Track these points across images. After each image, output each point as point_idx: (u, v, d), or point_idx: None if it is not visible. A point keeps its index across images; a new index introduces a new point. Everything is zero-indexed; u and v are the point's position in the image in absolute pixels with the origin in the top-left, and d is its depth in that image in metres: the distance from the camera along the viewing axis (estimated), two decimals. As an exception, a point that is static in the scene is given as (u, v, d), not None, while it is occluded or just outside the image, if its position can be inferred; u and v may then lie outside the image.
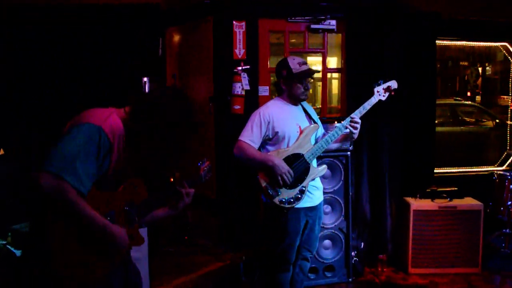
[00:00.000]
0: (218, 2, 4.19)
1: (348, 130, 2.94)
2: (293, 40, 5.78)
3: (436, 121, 8.59)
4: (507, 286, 4.04)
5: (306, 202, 2.96)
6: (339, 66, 4.84)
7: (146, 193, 2.02)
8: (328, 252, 3.92)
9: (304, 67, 2.98)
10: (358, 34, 4.31)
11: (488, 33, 5.45)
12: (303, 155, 2.93)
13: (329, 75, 6.16)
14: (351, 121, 2.93)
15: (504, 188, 4.56)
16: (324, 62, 4.49)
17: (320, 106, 4.76)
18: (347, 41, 4.36)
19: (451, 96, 10.53)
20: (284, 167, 2.83)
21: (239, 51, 4.18)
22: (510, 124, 5.87)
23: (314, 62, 6.65)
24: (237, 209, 4.10)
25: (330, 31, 4.39)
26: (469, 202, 4.20)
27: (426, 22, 4.79)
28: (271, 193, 2.85)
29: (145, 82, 4.03)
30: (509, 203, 4.47)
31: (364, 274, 4.11)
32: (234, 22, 4.15)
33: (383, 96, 3.04)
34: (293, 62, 2.98)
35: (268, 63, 4.35)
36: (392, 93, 3.06)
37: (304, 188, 2.91)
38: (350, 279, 3.94)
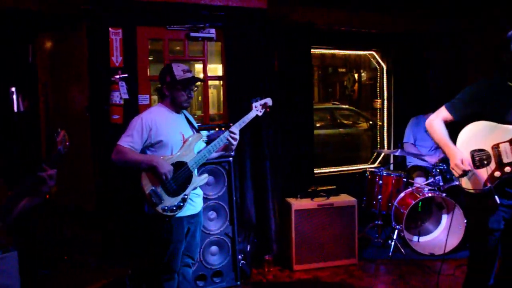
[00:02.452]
0: (93, 8, 4.02)
1: (228, 142, 3.02)
2: (177, 48, 5.77)
3: (317, 124, 9.21)
4: (381, 272, 4.41)
5: (188, 210, 2.97)
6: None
7: (7, 192, 1.89)
8: (215, 258, 3.94)
9: (188, 75, 2.99)
10: (237, 43, 4.43)
11: (357, 42, 5.95)
12: (186, 163, 2.93)
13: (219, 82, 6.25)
14: (231, 134, 3.01)
15: (375, 184, 4.99)
16: (204, 70, 4.53)
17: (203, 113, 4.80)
18: (226, 49, 4.45)
19: (330, 101, 11.26)
20: (168, 165, 2.82)
21: (116, 58, 4.05)
22: (380, 125, 6.44)
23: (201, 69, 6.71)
24: (119, 221, 3.96)
25: (210, 39, 4.46)
26: (344, 198, 4.51)
27: (301, 32, 5.10)
28: (154, 200, 2.81)
29: (12, 92, 3.74)
30: (380, 197, 4.91)
31: (252, 276, 4.20)
32: (110, 29, 4.02)
33: (260, 111, 3.19)
34: (178, 69, 2.97)
35: (148, 71, 4.28)
36: (268, 109, 3.22)
37: (186, 197, 2.91)
38: (238, 282, 4.01)
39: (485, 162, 2.52)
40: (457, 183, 4.62)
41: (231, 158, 3.91)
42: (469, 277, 2.74)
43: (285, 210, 4.46)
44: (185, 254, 3.09)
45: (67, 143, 2.06)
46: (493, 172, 2.50)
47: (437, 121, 2.70)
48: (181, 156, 2.92)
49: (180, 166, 2.89)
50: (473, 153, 2.57)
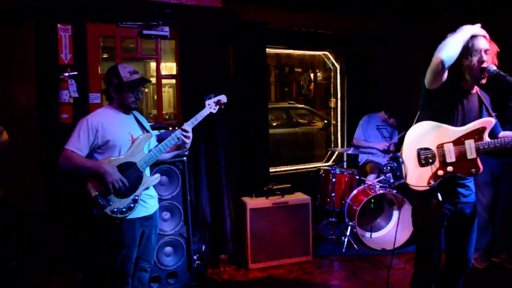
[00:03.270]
0: (40, 3, 3.87)
1: (180, 141, 2.98)
2: (132, 45, 5.65)
3: (273, 123, 9.28)
4: (335, 268, 4.49)
5: (141, 211, 2.91)
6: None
7: None
8: (170, 259, 3.89)
9: (135, 76, 2.93)
10: (191, 41, 4.39)
11: (311, 43, 6.03)
12: (135, 163, 2.87)
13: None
14: (183, 132, 2.98)
15: (329, 182, 5.09)
16: (158, 69, 4.46)
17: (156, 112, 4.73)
18: (180, 47, 4.40)
19: (287, 100, 11.36)
20: (116, 174, 2.75)
21: (65, 56, 3.92)
22: (334, 124, 6.57)
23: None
24: (69, 224, 3.83)
25: (163, 37, 4.39)
26: (299, 197, 4.57)
27: (256, 31, 5.11)
28: (102, 203, 2.74)
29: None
30: (333, 194, 5.01)
31: (207, 276, 4.19)
32: (58, 25, 3.89)
33: (214, 109, 3.17)
34: (124, 71, 2.91)
35: (99, 69, 4.17)
36: (222, 106, 3.20)
37: (137, 197, 2.85)
38: (193, 283, 3.97)
39: (430, 160, 2.60)
40: (403, 181, 4.79)
41: (185, 158, 3.87)
42: (416, 272, 2.82)
43: (240, 209, 4.47)
44: (141, 258, 3.03)
45: (6, 139, 1.98)
46: (436, 170, 2.59)
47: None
48: (130, 156, 2.86)
49: (129, 167, 2.84)
50: (419, 151, 2.65)
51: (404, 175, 2.71)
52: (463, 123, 2.61)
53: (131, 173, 2.84)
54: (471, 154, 2.55)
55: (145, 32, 4.28)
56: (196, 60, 4.39)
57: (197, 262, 4.07)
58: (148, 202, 2.99)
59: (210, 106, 3.15)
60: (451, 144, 2.59)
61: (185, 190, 3.90)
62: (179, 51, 4.42)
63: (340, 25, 5.95)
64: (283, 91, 12.89)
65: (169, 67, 6.49)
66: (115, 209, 2.77)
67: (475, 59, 2.50)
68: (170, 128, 3.81)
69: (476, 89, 2.69)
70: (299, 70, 12.33)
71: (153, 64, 7.71)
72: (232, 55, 4.93)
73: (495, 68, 2.49)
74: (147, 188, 2.94)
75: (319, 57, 6.66)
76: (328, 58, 6.45)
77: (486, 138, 2.56)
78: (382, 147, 5.26)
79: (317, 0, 5.33)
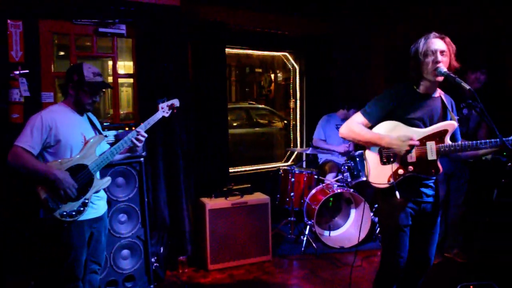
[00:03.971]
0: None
1: (133, 143, 2.94)
2: (88, 43, 5.49)
3: (234, 124, 9.27)
4: (294, 267, 4.53)
5: (90, 213, 2.84)
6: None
7: None
8: (127, 262, 3.81)
9: (98, 78, 2.86)
10: (149, 40, 4.31)
11: (271, 43, 6.06)
12: (87, 166, 2.79)
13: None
14: (137, 135, 2.93)
15: (288, 181, 5.13)
16: (114, 67, 4.36)
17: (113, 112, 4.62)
18: (137, 46, 4.32)
19: (247, 100, 11.39)
20: (69, 181, 2.66)
21: (16, 53, 3.77)
22: (293, 124, 6.62)
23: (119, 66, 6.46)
24: (16, 228, 3.66)
25: (120, 35, 4.30)
26: (258, 197, 4.58)
27: (215, 31, 5.09)
28: (51, 206, 2.64)
29: None
30: (292, 194, 5.05)
31: (166, 278, 4.14)
32: (8, 21, 3.73)
33: (167, 113, 3.15)
34: (88, 70, 2.83)
35: (53, 67, 4.03)
36: (175, 110, 3.18)
37: (87, 201, 2.78)
38: (151, 286, 3.91)
39: (391, 159, 2.67)
40: (364, 178, 4.90)
41: (142, 159, 3.81)
42: (381, 271, 2.86)
43: (199, 210, 4.44)
44: (91, 261, 2.95)
45: None
46: (397, 169, 2.66)
47: (356, 125, 2.75)
48: (81, 158, 2.78)
49: (80, 169, 2.75)
50: (381, 150, 2.72)
51: (366, 172, 2.78)
52: (425, 126, 2.67)
53: (82, 176, 2.76)
54: (431, 155, 2.61)
55: (101, 30, 4.17)
56: (154, 60, 4.31)
57: (155, 264, 4.00)
58: (97, 204, 2.91)
59: (163, 110, 3.13)
60: None
61: (142, 191, 3.83)
62: (136, 50, 4.34)
63: (298, 26, 6.03)
64: (244, 91, 12.92)
65: (128, 66, 6.35)
66: (64, 213, 2.68)
67: (430, 60, 2.55)
68: (127, 129, 3.73)
69: (439, 92, 2.75)
70: (260, 70, 12.39)
71: (110, 63, 7.53)
72: (191, 54, 4.89)
73: (445, 69, 2.56)
74: (97, 191, 2.87)
75: (279, 57, 6.70)
76: (288, 59, 6.50)
77: (448, 141, 2.63)
78: (342, 150, 5.31)
79: (276, 1, 5.38)
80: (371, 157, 2.79)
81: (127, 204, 3.77)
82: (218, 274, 4.27)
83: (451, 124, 2.64)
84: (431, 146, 2.62)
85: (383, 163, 2.71)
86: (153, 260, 3.97)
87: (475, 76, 4.27)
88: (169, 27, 4.37)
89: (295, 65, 6.46)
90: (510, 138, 2.52)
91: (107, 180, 2.94)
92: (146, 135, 2.98)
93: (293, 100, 6.56)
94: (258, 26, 5.71)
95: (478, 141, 2.58)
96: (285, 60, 6.57)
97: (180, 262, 4.31)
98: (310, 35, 6.12)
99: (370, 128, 2.79)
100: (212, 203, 4.32)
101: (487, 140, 2.56)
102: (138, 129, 2.95)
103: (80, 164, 2.76)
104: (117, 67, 4.42)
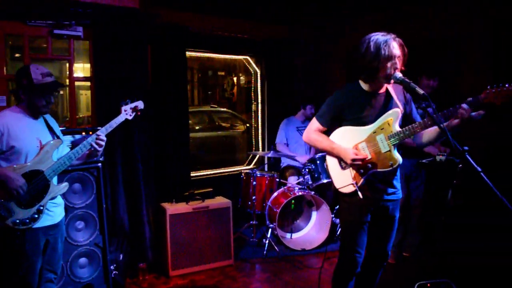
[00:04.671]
0: None
1: (93, 147, 2.85)
2: (45, 45, 5.32)
3: (196, 127, 9.21)
4: (256, 271, 4.53)
5: (46, 220, 2.74)
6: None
7: None
8: (84, 271, 3.70)
9: (47, 79, 2.74)
10: (107, 43, 4.22)
11: (232, 47, 6.07)
12: (43, 171, 2.69)
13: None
14: (96, 139, 2.84)
15: (250, 185, 5.14)
16: (70, 70, 4.25)
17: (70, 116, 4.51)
18: (94, 49, 4.23)
19: (210, 103, 11.35)
20: (20, 180, 2.55)
21: (-36, 55, 3.62)
22: (255, 127, 6.64)
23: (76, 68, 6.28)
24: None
25: (77, 37, 4.19)
26: (219, 201, 4.56)
27: (176, 34, 5.04)
28: (3, 214, 2.54)
29: None
30: (254, 197, 5.06)
31: (125, 286, 4.04)
32: (-44, 21, 3.58)
33: (130, 115, 3.06)
34: (36, 72, 2.70)
35: (5, 69, 3.89)
36: (139, 113, 3.11)
37: (42, 208, 2.68)
38: (110, 294, 3.83)
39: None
40: (324, 181, 4.97)
41: (100, 164, 3.71)
42: (339, 266, 2.93)
43: (160, 216, 4.37)
44: (46, 269, 2.84)
45: None
46: (356, 171, 2.71)
47: (313, 133, 2.88)
48: (37, 163, 2.68)
49: (35, 175, 2.66)
50: (337, 157, 2.79)
51: (331, 181, 2.85)
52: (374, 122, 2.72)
53: (37, 182, 2.66)
54: (384, 147, 2.65)
55: (56, 31, 4.06)
56: (112, 63, 4.23)
57: (114, 272, 3.90)
58: (53, 210, 2.81)
59: (127, 113, 3.04)
60: (364, 142, 2.71)
61: (100, 197, 3.73)
62: (94, 53, 4.24)
63: (260, 31, 6.06)
64: (207, 94, 12.86)
65: (88, 68, 6.17)
66: (17, 221, 2.58)
67: (390, 65, 2.58)
68: (83, 133, 3.63)
69: (385, 87, 2.78)
70: (223, 73, 12.38)
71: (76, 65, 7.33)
72: (151, 58, 4.82)
73: (401, 75, 2.61)
74: (53, 198, 2.78)
75: (241, 61, 6.71)
76: (249, 63, 6.52)
77: (396, 128, 2.64)
78: (304, 160, 5.28)
79: (238, 6, 5.39)
80: (332, 163, 2.86)
81: (84, 210, 3.67)
82: (179, 280, 4.22)
83: (394, 112, 2.66)
84: (381, 138, 2.66)
85: (342, 168, 2.78)
86: (112, 267, 3.88)
87: (427, 82, 4.41)
88: (128, 30, 4.29)
89: (256, 68, 6.49)
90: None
91: (64, 186, 2.84)
92: (105, 138, 2.89)
93: (255, 103, 6.58)
94: (220, 29, 5.71)
95: (415, 123, 2.60)
96: (246, 64, 6.59)
97: (140, 269, 4.23)
98: (271, 40, 6.16)
99: (328, 131, 2.84)
100: (172, 208, 4.26)
101: (421, 121, 2.58)
102: (98, 132, 2.86)
103: (36, 169, 2.66)
104: (76, 69, 4.32)
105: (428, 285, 3.64)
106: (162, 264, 4.34)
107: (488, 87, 2.41)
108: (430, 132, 2.72)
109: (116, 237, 4.13)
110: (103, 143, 2.87)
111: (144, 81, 4.47)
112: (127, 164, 4.26)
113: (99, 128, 3.60)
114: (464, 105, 2.46)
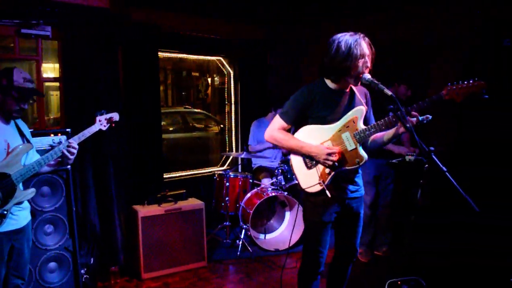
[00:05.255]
0: None
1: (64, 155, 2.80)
2: (12, 45, 5.17)
3: (170, 128, 9.14)
4: (229, 272, 4.52)
5: (9, 225, 2.67)
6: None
7: None
8: (54, 275, 3.62)
9: (27, 85, 2.71)
10: (76, 43, 4.14)
11: (205, 48, 6.04)
12: (10, 175, 2.63)
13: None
14: (68, 146, 2.79)
15: (223, 186, 5.13)
16: (38, 71, 4.16)
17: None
18: (63, 49, 4.14)
19: (184, 104, 11.27)
20: None
21: None
22: (228, 128, 6.64)
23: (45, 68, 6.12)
24: None
25: (45, 37, 4.10)
26: (192, 202, 4.53)
27: (148, 35, 4.99)
28: None
29: None
30: (227, 198, 5.05)
31: (97, 290, 3.99)
32: None
33: (104, 126, 3.04)
34: (19, 75, 2.68)
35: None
36: (113, 124, 3.08)
37: (5, 212, 2.61)
38: (81, 299, 3.76)
39: (315, 162, 2.72)
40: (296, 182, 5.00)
41: (69, 166, 3.64)
42: (302, 265, 2.94)
43: (131, 218, 4.32)
44: (13, 275, 2.77)
45: None
46: (323, 169, 2.70)
47: (276, 131, 2.79)
48: (4, 167, 2.61)
49: (2, 179, 2.59)
50: (304, 156, 2.77)
51: (297, 181, 2.81)
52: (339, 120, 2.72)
53: (3, 186, 2.60)
54: (350, 145, 2.65)
55: (23, 31, 3.96)
56: (82, 63, 4.15)
57: (85, 276, 3.84)
58: (17, 214, 2.74)
59: (101, 123, 3.02)
60: (330, 141, 2.71)
61: (69, 200, 3.66)
62: (63, 53, 4.16)
63: (234, 32, 6.06)
64: (181, 95, 12.77)
65: (58, 69, 6.03)
66: None
67: (361, 63, 2.59)
68: (52, 135, 3.55)
69: (350, 86, 2.79)
70: (197, 74, 12.31)
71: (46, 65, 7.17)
72: (122, 58, 4.76)
73: (369, 76, 2.64)
74: (19, 203, 2.71)
75: (215, 62, 6.70)
76: (223, 64, 6.51)
77: (361, 126, 2.66)
78: (276, 165, 5.30)
79: (211, 6, 5.38)
80: (296, 162, 2.82)
81: (53, 214, 3.59)
82: (152, 283, 4.18)
83: (358, 110, 2.68)
84: (346, 136, 2.67)
85: (308, 168, 2.75)
86: (82, 271, 3.81)
87: (395, 89, 4.50)
88: (98, 30, 4.22)
89: (229, 69, 6.48)
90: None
91: (31, 192, 2.77)
92: (77, 147, 2.85)
93: (228, 104, 6.58)
94: (193, 30, 5.67)
95: (382, 120, 2.61)
96: (219, 65, 6.58)
97: (112, 273, 4.17)
98: (245, 40, 6.16)
99: (291, 130, 2.83)
100: (144, 210, 4.22)
101: (386, 118, 2.60)
102: (70, 140, 2.81)
103: (2, 173, 2.60)
104: (46, 69, 4.22)
105: (399, 282, 3.71)
106: (134, 267, 4.30)
107: (449, 84, 2.46)
108: (381, 135, 2.75)
109: (87, 241, 4.06)
110: (75, 151, 2.83)
111: (115, 82, 4.40)
112: (98, 166, 4.19)
113: (68, 130, 3.57)
114: (414, 112, 2.51)
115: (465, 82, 2.42)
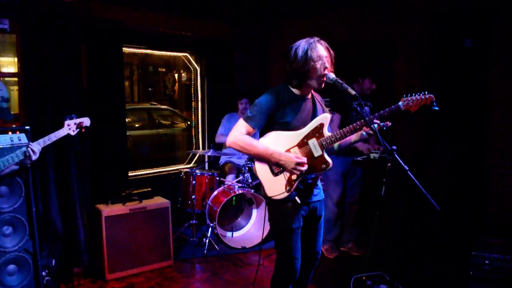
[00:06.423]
0: None
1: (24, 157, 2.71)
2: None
3: (136, 125, 8.98)
4: (196, 271, 4.49)
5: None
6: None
7: None
8: (13, 278, 3.48)
9: None
10: (36, 37, 3.98)
11: (171, 44, 5.96)
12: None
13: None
14: (29, 150, 2.70)
15: (189, 184, 5.08)
16: (-5, 66, 4.00)
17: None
18: (22, 43, 3.99)
19: (151, 100, 11.08)
20: None
21: None
22: (195, 125, 6.58)
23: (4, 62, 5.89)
24: None
25: (2, 31, 3.94)
26: (158, 201, 4.47)
27: (112, 30, 4.88)
28: None
29: None
30: (194, 196, 5.01)
31: (59, 292, 3.89)
32: None
33: (73, 131, 2.94)
34: None
35: None
36: (83, 130, 2.98)
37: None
38: (42, 301, 3.64)
39: (281, 168, 2.67)
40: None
41: (28, 165, 3.51)
42: (277, 274, 2.88)
43: (95, 218, 4.22)
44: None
45: None
46: (290, 176, 2.66)
47: (242, 137, 2.67)
48: None
49: None
50: (269, 163, 2.70)
51: (262, 188, 2.76)
52: (304, 127, 2.72)
53: None
54: (316, 152, 2.66)
55: (-22, 24, 3.80)
56: (42, 58, 4.00)
57: (46, 278, 3.73)
58: None
59: (70, 128, 2.92)
60: (296, 147, 2.69)
61: (29, 200, 3.53)
62: (21, 47, 4.00)
63: (200, 29, 6.01)
64: (147, 91, 12.56)
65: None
66: None
67: (319, 65, 2.61)
68: (10, 133, 3.42)
69: (311, 93, 2.83)
70: (164, 70, 12.12)
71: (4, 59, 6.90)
72: (85, 54, 4.64)
73: (333, 76, 2.66)
74: None
75: (182, 58, 6.62)
76: (189, 60, 6.44)
77: (327, 133, 2.68)
78: (243, 163, 5.30)
79: (177, 2, 5.30)
80: (261, 170, 2.75)
81: (12, 215, 3.45)
82: (116, 283, 4.10)
83: (324, 117, 2.71)
84: (313, 143, 2.67)
85: (275, 174, 2.70)
86: (44, 273, 3.70)
87: (370, 85, 4.56)
88: (59, 24, 4.09)
89: (196, 66, 6.42)
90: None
91: None
92: (38, 150, 2.75)
93: (195, 101, 6.52)
94: (159, 26, 5.59)
95: (347, 127, 2.65)
96: (186, 61, 6.50)
97: (75, 274, 4.07)
98: (212, 38, 6.13)
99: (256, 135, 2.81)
100: (108, 209, 4.13)
101: (351, 125, 2.65)
102: (33, 145, 2.72)
103: None
104: (6, 63, 4.05)
105: (364, 278, 3.78)
106: (98, 267, 4.20)
107: (404, 96, 2.56)
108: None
109: (48, 242, 3.94)
110: (36, 156, 2.74)
111: (78, 78, 4.27)
112: (60, 165, 4.06)
113: (27, 127, 3.44)
114: (376, 120, 2.59)
115: (418, 95, 2.54)
